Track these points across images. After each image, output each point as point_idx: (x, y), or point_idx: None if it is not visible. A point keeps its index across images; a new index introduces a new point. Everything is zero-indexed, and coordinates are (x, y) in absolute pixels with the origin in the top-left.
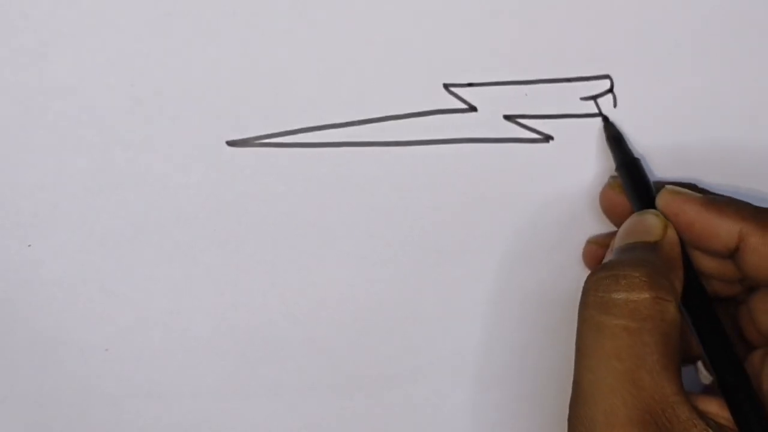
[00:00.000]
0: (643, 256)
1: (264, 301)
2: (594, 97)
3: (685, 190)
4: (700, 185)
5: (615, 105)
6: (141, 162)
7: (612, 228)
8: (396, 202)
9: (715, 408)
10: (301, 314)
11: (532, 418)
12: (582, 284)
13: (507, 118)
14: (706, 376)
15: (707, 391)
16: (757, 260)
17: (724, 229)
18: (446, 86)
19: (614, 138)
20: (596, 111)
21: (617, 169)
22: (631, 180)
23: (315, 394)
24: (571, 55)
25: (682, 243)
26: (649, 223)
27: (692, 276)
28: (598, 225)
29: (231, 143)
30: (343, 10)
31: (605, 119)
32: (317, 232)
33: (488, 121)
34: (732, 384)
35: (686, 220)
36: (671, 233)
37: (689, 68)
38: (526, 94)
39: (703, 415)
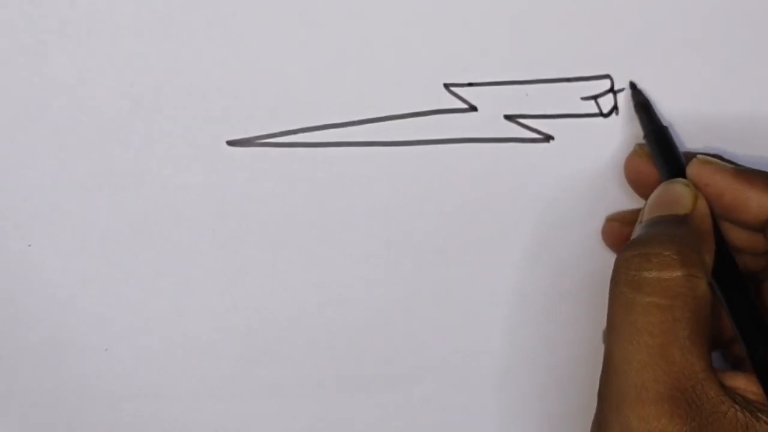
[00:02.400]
0: (674, 231)
1: (264, 301)
2: (595, 97)
3: (716, 160)
4: (726, 156)
5: (615, 104)
6: (141, 162)
7: (626, 207)
8: (396, 203)
9: (743, 383)
10: (301, 314)
11: (537, 418)
12: (585, 285)
13: (507, 117)
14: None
15: (735, 367)
16: None
17: (756, 201)
18: (446, 86)
19: (642, 105)
20: (597, 111)
21: (645, 136)
22: (660, 148)
23: (315, 394)
24: (571, 55)
25: (713, 215)
26: (679, 194)
27: (723, 248)
28: (599, 224)
29: (231, 143)
30: (343, 9)
31: (633, 86)
32: (317, 233)
33: (489, 121)
34: (762, 355)
35: (716, 191)
36: (702, 204)
37: (691, 67)
38: (527, 94)
39: (730, 392)
